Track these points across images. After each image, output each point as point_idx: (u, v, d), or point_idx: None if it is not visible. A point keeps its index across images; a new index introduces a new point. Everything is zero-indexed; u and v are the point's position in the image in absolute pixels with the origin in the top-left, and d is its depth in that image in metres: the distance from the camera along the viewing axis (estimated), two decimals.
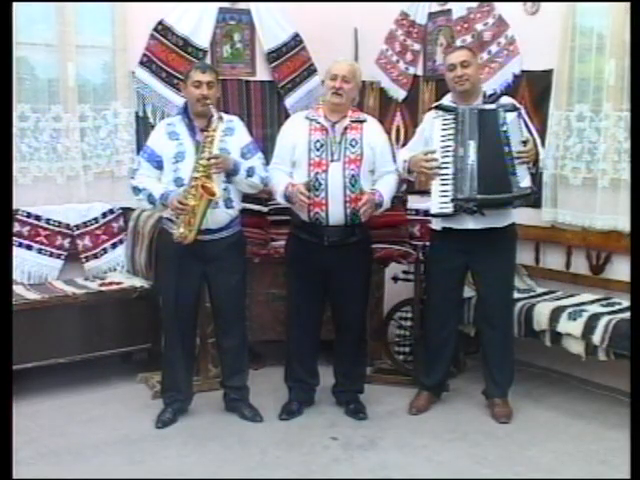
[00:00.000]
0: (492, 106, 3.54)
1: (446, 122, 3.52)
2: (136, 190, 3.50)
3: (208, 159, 3.33)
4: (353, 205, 3.49)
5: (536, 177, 3.55)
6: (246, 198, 4.05)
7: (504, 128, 3.45)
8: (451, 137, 3.49)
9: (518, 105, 3.59)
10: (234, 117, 3.66)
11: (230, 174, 3.45)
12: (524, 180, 3.45)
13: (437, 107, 3.62)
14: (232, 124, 3.57)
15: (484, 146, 3.45)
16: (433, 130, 3.58)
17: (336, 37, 5.16)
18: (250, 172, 3.50)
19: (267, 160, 3.68)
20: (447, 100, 3.65)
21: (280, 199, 3.58)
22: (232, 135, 3.53)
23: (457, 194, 3.46)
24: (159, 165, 3.49)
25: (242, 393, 3.74)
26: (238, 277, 3.61)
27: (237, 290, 3.62)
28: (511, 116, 3.47)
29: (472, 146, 3.45)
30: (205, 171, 3.33)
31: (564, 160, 4.17)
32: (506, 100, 3.63)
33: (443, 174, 3.49)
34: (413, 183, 4.47)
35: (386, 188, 3.57)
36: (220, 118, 3.44)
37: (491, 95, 3.68)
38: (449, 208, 3.49)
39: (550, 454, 3.35)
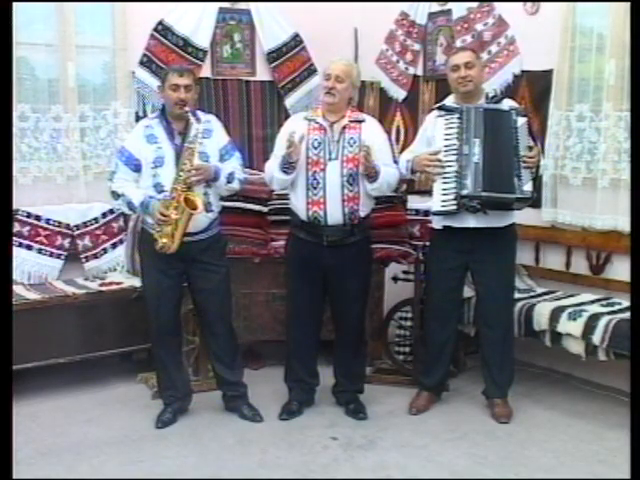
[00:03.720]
0: (505, 107, 3.55)
1: (450, 121, 3.52)
2: (115, 195, 3.48)
3: (189, 170, 3.32)
4: (351, 205, 3.50)
5: (535, 183, 3.56)
6: (246, 198, 4.06)
7: (514, 131, 3.46)
8: (455, 136, 3.49)
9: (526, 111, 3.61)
10: (211, 117, 3.63)
11: (210, 180, 3.45)
12: (527, 184, 3.46)
13: (440, 107, 3.62)
14: (210, 125, 3.53)
15: (491, 144, 3.45)
16: (436, 129, 3.59)
17: (336, 37, 5.16)
18: (230, 178, 3.50)
19: (267, 160, 3.69)
20: (449, 101, 3.65)
21: (279, 174, 3.49)
22: (210, 137, 3.50)
23: (461, 191, 3.46)
24: (137, 168, 3.46)
25: (239, 389, 3.74)
26: (220, 277, 3.59)
27: (219, 290, 3.61)
28: (522, 120, 3.49)
29: (477, 144, 3.45)
30: (186, 182, 3.32)
31: (564, 160, 4.17)
32: (509, 103, 3.63)
33: (446, 172, 3.50)
34: (413, 183, 4.48)
35: (385, 169, 3.50)
36: (197, 119, 3.43)
37: (493, 96, 3.68)
38: (452, 206, 3.49)
39: (550, 454, 3.35)
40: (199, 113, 3.53)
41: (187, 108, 3.38)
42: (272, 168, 3.54)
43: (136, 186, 3.47)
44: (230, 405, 3.77)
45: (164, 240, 3.36)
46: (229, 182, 3.50)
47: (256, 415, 3.70)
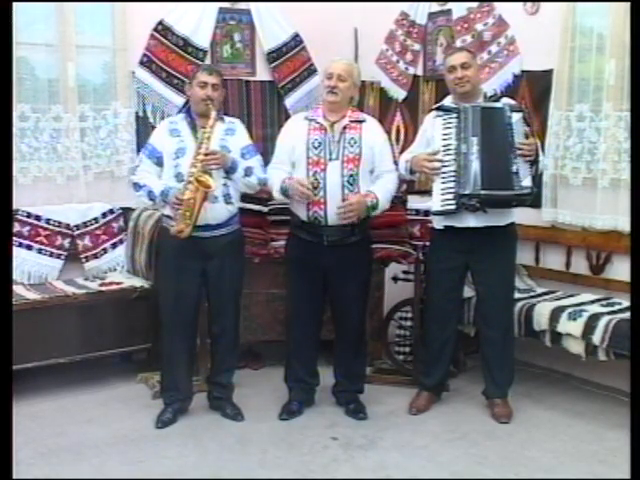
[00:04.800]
0: (499, 104, 3.55)
1: (448, 121, 3.52)
2: (137, 186, 3.55)
3: (205, 154, 3.36)
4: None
5: (535, 179, 3.56)
6: (246, 198, 4.06)
7: (509, 127, 3.46)
8: (453, 135, 3.50)
9: (523, 107, 3.61)
10: (235, 119, 3.72)
11: (228, 171, 3.48)
12: (525, 179, 3.46)
13: (438, 108, 3.63)
14: (233, 125, 3.63)
15: (488, 143, 3.46)
16: (434, 130, 3.59)
17: (336, 37, 5.17)
18: (248, 172, 3.53)
19: (267, 160, 3.69)
20: (448, 101, 3.65)
21: (277, 194, 3.58)
22: (233, 135, 3.58)
23: (460, 190, 3.46)
24: (159, 162, 3.53)
25: (226, 392, 3.75)
26: (236, 275, 3.63)
27: (234, 288, 3.64)
28: (516, 116, 3.49)
29: (475, 143, 3.46)
30: (202, 166, 3.36)
31: (564, 160, 4.17)
32: (506, 102, 3.63)
33: (445, 172, 3.50)
34: (413, 183, 4.48)
35: (383, 189, 3.56)
36: (221, 118, 3.53)
37: (492, 96, 3.68)
38: (452, 205, 3.49)
39: (550, 454, 3.35)
40: (223, 115, 3.62)
41: (210, 102, 3.44)
42: (274, 180, 3.57)
43: (158, 179, 3.52)
44: (214, 404, 3.78)
45: (179, 224, 3.38)
46: (247, 175, 3.52)
47: (238, 414, 3.70)
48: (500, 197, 3.49)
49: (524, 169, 3.47)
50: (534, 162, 3.52)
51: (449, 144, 3.51)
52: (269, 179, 3.61)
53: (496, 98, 3.69)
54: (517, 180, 3.44)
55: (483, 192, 3.44)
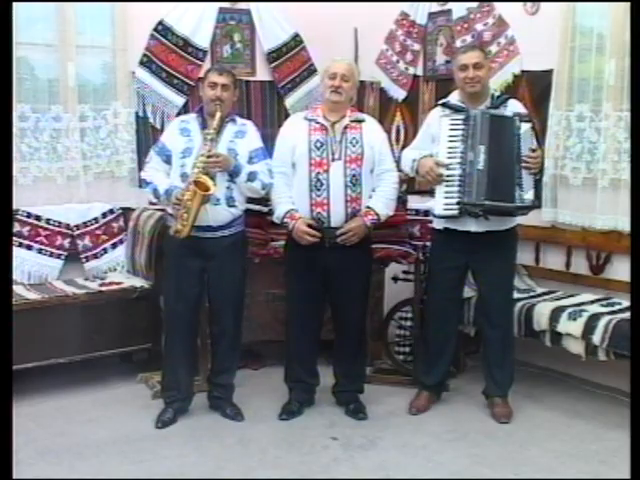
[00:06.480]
0: (509, 114, 3.53)
1: (455, 123, 3.50)
2: (144, 183, 3.60)
3: (208, 156, 3.36)
4: (354, 205, 3.50)
5: (539, 188, 3.54)
6: (246, 198, 4.06)
7: (517, 137, 3.45)
8: (459, 139, 3.48)
9: (531, 117, 3.60)
10: (248, 121, 3.70)
11: (232, 175, 3.47)
12: (529, 192, 3.46)
13: (444, 105, 3.61)
14: (245, 127, 3.61)
15: (495, 152, 3.44)
16: (441, 129, 3.56)
17: (336, 37, 5.17)
18: (251, 177, 3.51)
19: None
20: (454, 99, 3.63)
21: (276, 220, 3.62)
22: (243, 138, 3.57)
23: (464, 197, 3.45)
24: (168, 160, 3.55)
25: (226, 392, 3.75)
26: (237, 277, 3.63)
27: (235, 289, 3.64)
28: (525, 127, 3.48)
29: (482, 151, 3.43)
30: (203, 168, 3.36)
31: (564, 160, 4.17)
32: (514, 104, 3.61)
33: (449, 176, 3.49)
34: (413, 183, 4.48)
35: (383, 200, 3.56)
36: (233, 120, 3.55)
37: (499, 97, 3.63)
38: (454, 210, 3.49)
39: (550, 454, 3.35)
40: (236, 117, 3.62)
41: (219, 103, 3.44)
42: (276, 203, 3.57)
43: (166, 177, 3.54)
44: (214, 403, 3.78)
45: (177, 224, 3.40)
46: (250, 180, 3.50)
47: (237, 414, 3.70)
48: (502, 208, 3.49)
49: (528, 181, 3.46)
50: (538, 173, 3.51)
51: (455, 147, 3.49)
52: (273, 191, 3.59)
53: (503, 99, 3.63)
54: (520, 192, 3.44)
55: (487, 202, 3.43)
